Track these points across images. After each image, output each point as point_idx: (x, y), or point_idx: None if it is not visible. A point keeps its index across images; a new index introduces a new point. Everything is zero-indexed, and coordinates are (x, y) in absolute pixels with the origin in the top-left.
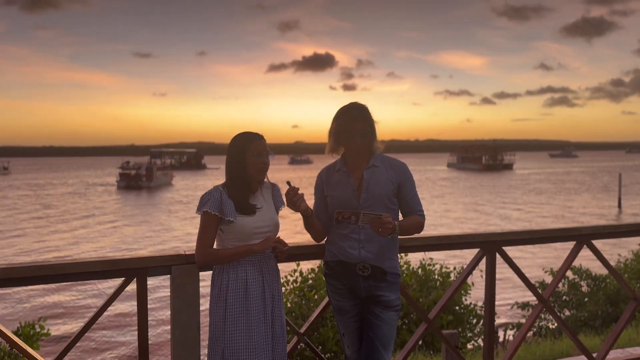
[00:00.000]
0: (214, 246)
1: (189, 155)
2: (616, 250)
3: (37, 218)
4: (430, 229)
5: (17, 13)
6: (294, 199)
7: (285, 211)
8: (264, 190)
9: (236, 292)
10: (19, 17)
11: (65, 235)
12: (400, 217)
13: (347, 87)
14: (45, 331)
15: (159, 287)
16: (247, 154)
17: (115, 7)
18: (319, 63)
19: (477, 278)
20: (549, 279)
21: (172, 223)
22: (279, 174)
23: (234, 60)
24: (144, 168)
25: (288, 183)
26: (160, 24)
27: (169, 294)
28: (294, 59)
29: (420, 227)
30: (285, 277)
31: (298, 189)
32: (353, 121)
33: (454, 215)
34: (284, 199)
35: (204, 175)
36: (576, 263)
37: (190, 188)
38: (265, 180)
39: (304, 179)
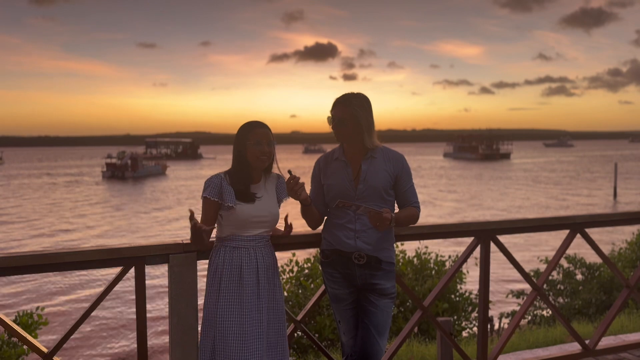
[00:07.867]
0: (214, 232)
1: (185, 145)
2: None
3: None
4: (425, 218)
5: (25, 5)
6: (295, 188)
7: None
8: (267, 181)
9: (230, 277)
10: (23, 8)
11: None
12: (397, 208)
13: (348, 77)
14: (43, 320)
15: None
16: (247, 142)
17: None
18: (321, 53)
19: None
20: (544, 268)
21: (146, 214)
22: (293, 163)
23: (237, 50)
24: (127, 158)
25: (289, 172)
26: (165, 14)
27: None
28: (296, 49)
29: (415, 219)
30: (282, 266)
31: (299, 178)
32: (333, 108)
33: (449, 203)
34: None
35: (199, 165)
36: (572, 252)
37: (183, 178)
38: (273, 171)
39: None
